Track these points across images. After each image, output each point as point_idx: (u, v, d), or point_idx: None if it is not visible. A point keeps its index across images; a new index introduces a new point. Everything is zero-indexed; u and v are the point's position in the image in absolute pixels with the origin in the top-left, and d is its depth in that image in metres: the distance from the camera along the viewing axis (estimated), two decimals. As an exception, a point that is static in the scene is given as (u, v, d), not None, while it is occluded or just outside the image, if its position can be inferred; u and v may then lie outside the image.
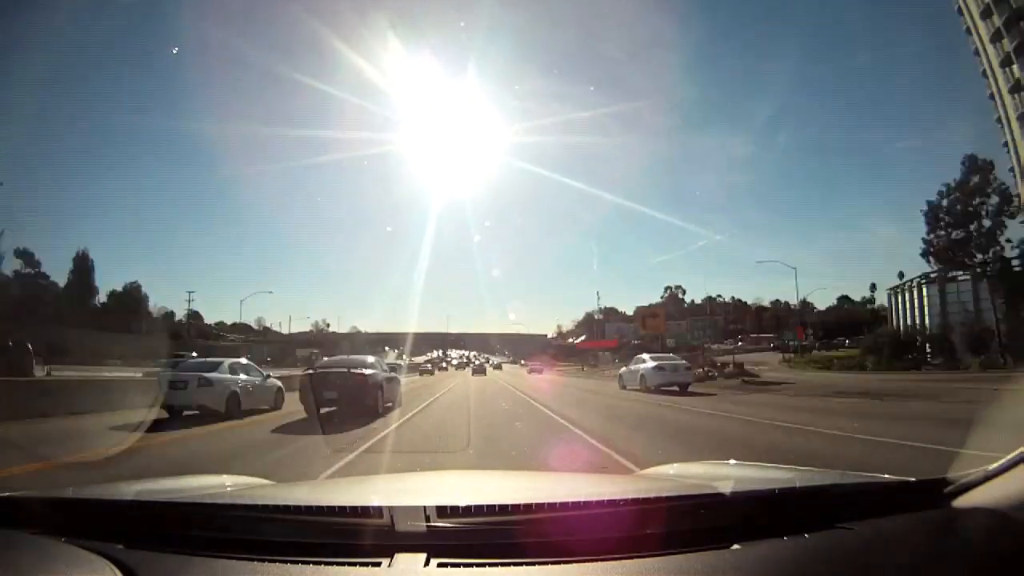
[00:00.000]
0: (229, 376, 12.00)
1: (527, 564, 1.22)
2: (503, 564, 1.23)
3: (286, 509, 1.55)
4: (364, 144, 54.14)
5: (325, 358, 17.15)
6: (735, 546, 1.26)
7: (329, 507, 1.54)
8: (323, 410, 10.84)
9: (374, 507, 1.39)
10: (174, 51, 45.11)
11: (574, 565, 1.22)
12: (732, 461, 2.51)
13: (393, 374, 14.28)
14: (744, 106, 71.43)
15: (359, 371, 11.81)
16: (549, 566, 1.21)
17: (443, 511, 1.34)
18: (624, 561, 1.21)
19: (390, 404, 12.65)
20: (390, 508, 1.35)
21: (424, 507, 1.33)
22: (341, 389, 11.16)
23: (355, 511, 1.42)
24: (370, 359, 13.52)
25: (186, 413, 11.01)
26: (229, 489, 2.00)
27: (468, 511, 1.37)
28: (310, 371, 12.77)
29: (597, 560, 1.23)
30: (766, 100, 63.81)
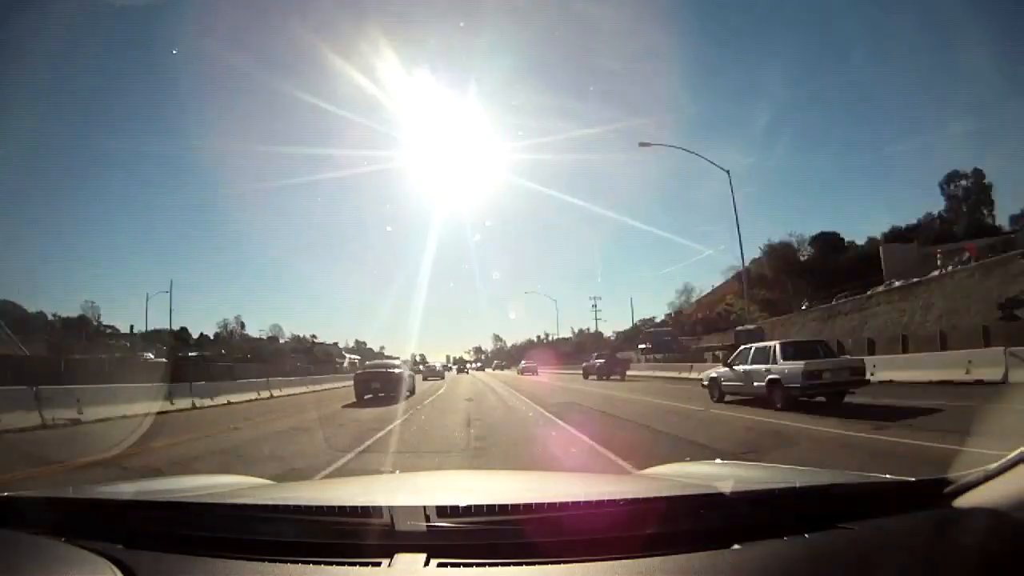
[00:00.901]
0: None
1: (527, 564, 1.22)
2: (503, 564, 1.23)
3: (286, 509, 1.55)
4: (361, 161, 53.95)
5: (368, 362, 24.86)
6: (735, 546, 1.26)
7: (329, 507, 1.54)
8: (367, 396, 17.30)
9: (374, 507, 1.39)
10: (173, 52, 44.64)
11: (574, 565, 1.22)
12: (729, 461, 2.50)
13: (411, 372, 22.15)
14: (742, 117, 70.64)
15: (392, 371, 18.83)
16: (549, 566, 1.21)
17: (443, 511, 1.34)
18: (624, 561, 1.21)
19: (409, 393, 18.82)
20: (390, 508, 1.35)
21: (424, 507, 1.33)
22: (381, 382, 17.66)
23: (355, 511, 1.42)
24: (397, 362, 21.40)
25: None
26: (229, 489, 2.00)
27: (468, 511, 1.37)
28: (360, 371, 19.83)
29: (597, 560, 1.23)
30: (763, 110, 63.30)
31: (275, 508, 1.55)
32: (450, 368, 73.33)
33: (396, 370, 18.87)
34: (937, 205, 46.85)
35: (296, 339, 78.84)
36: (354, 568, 1.23)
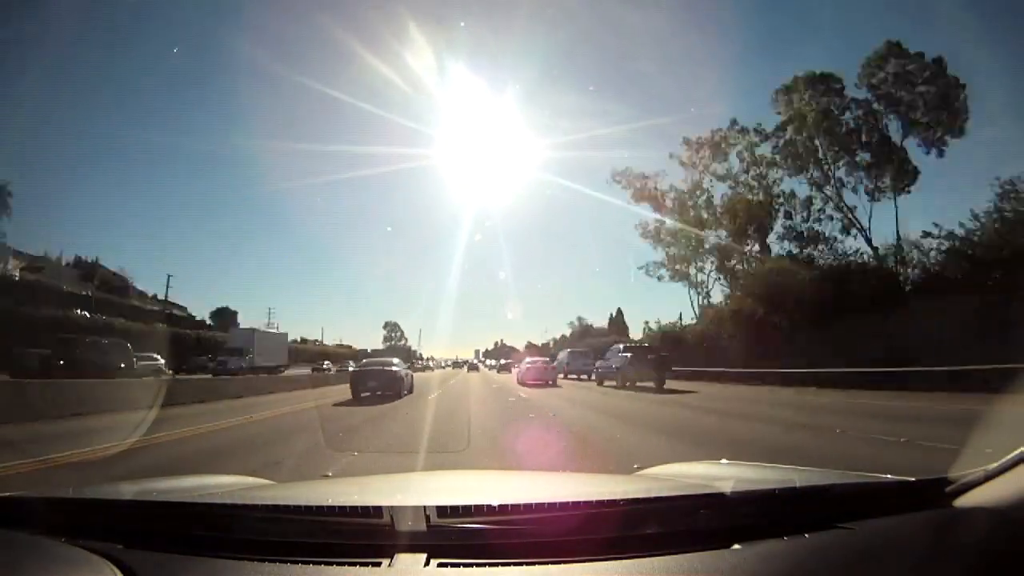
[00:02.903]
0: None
1: (527, 564, 1.22)
2: (503, 564, 1.23)
3: (286, 509, 1.55)
4: (394, 159, 54.13)
5: (364, 359, 23.04)
6: (735, 546, 1.26)
7: (329, 507, 1.54)
8: (363, 394, 15.74)
9: (374, 507, 1.39)
10: (175, 50, 45.10)
11: (574, 565, 1.22)
12: (731, 461, 2.50)
13: (408, 370, 19.78)
14: (774, 120, 69.17)
15: (389, 368, 17.17)
16: (549, 566, 1.21)
17: (443, 511, 1.34)
18: (624, 561, 1.21)
19: (406, 392, 17.41)
20: (390, 508, 1.35)
21: (424, 507, 1.33)
22: (377, 380, 16.26)
23: (355, 511, 1.42)
24: (395, 359, 19.11)
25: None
26: (229, 489, 2.00)
27: (468, 511, 1.37)
28: (357, 369, 18.67)
29: (597, 560, 1.23)
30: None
31: (275, 508, 1.55)
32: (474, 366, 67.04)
33: (394, 368, 17.28)
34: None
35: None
36: (354, 568, 1.23)
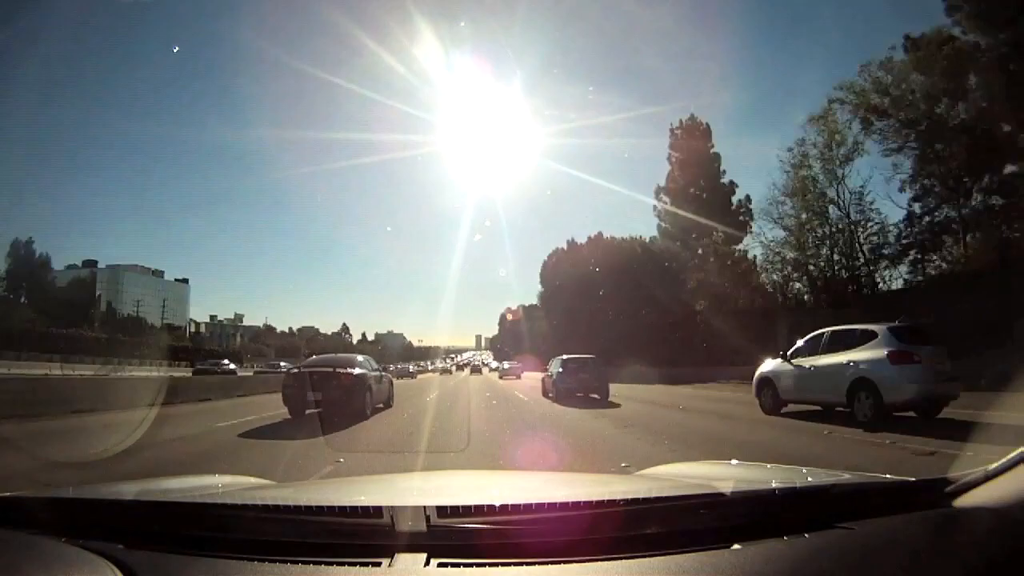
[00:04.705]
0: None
1: (527, 564, 1.22)
2: (503, 564, 1.23)
3: (286, 509, 1.54)
4: (398, 147, 54.82)
5: (314, 356, 16.73)
6: (735, 546, 1.26)
7: (329, 507, 1.53)
8: (308, 411, 10.33)
9: (374, 507, 1.39)
10: (175, 50, 45.61)
11: (574, 565, 1.22)
12: (733, 461, 2.50)
13: (384, 374, 14.01)
14: (778, 112, 69.78)
15: (346, 371, 10.94)
16: (549, 566, 1.21)
17: (443, 511, 1.34)
18: (624, 561, 1.21)
19: (380, 405, 12.39)
20: (390, 508, 1.35)
21: (424, 507, 1.33)
22: (326, 390, 10.35)
23: (355, 511, 1.42)
24: (359, 358, 12.86)
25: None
26: (229, 489, 2.00)
27: (468, 511, 1.37)
28: (293, 370, 12.26)
29: (597, 560, 1.23)
30: (798, 105, 63.08)
31: (275, 508, 1.55)
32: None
33: (354, 371, 11.12)
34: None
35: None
36: (354, 568, 1.23)
